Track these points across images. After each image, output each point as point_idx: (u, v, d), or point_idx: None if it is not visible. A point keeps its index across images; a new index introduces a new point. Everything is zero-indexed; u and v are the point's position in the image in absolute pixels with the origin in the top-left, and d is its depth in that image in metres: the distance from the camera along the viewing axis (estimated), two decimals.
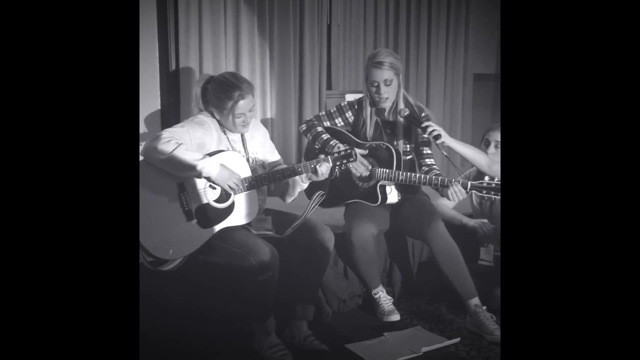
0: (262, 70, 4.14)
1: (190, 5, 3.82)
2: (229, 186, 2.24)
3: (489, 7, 4.94)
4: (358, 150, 2.45)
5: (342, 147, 2.58)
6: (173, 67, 3.90)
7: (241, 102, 2.30)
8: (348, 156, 2.36)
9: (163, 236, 2.20)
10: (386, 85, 2.65)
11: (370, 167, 2.67)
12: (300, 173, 2.34)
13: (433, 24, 4.76)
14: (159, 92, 3.81)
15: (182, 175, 2.22)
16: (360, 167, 2.65)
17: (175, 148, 2.15)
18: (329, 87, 4.47)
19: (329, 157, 2.35)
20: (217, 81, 2.35)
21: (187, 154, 2.16)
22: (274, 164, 2.54)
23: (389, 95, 2.68)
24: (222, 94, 2.31)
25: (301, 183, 2.44)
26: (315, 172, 2.33)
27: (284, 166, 2.46)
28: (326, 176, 2.35)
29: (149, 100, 3.72)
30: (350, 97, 2.93)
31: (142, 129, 3.70)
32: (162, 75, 3.84)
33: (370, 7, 4.54)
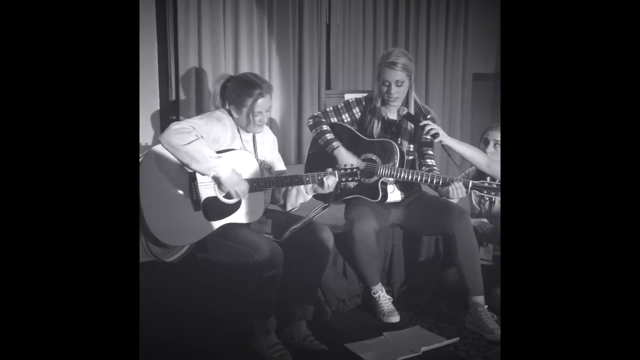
0: (261, 70, 4.13)
1: (189, 5, 3.82)
2: (235, 191, 2.26)
3: (488, 7, 4.94)
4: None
5: (348, 164, 2.57)
6: (172, 67, 3.89)
7: (260, 100, 2.36)
8: (353, 174, 2.41)
9: (169, 221, 2.22)
10: (397, 85, 2.67)
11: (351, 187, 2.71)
12: (307, 182, 2.37)
13: (432, 24, 4.75)
14: (158, 92, 3.81)
15: (191, 168, 2.23)
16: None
17: (194, 140, 2.17)
18: (328, 87, 4.46)
19: (335, 171, 2.38)
20: (238, 79, 2.41)
21: (203, 149, 2.19)
22: (279, 173, 2.57)
23: (399, 95, 2.70)
24: (242, 91, 2.36)
25: (305, 194, 2.47)
26: (321, 184, 2.36)
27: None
28: (332, 189, 2.37)
29: (148, 101, 3.72)
30: (349, 97, 2.94)
31: (141, 129, 3.69)
32: (161, 76, 3.84)
33: (369, 7, 4.54)
